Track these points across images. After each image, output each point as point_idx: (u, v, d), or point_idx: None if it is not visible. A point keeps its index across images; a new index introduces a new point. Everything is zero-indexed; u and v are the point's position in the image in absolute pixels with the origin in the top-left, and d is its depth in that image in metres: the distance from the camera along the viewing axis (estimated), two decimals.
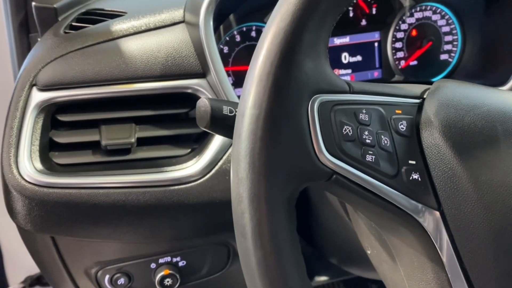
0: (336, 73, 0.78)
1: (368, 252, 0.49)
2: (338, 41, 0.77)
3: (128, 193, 0.56)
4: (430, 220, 0.38)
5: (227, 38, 0.72)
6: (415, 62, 0.80)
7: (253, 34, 0.73)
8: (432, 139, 0.38)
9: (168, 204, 0.57)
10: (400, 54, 0.80)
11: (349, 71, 0.78)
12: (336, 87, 0.37)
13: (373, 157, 0.37)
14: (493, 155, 0.37)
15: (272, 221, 0.33)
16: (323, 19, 0.35)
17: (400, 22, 0.78)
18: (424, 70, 0.81)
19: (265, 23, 0.73)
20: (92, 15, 0.68)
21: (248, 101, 0.34)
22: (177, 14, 0.64)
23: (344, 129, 0.36)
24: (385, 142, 0.37)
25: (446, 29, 0.80)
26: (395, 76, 0.80)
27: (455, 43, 0.81)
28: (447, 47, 0.81)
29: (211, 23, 0.59)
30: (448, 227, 0.37)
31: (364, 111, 0.37)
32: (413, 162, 0.38)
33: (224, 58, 0.72)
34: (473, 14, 0.78)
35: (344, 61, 0.78)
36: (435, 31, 0.80)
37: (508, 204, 0.37)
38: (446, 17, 0.80)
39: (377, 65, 0.79)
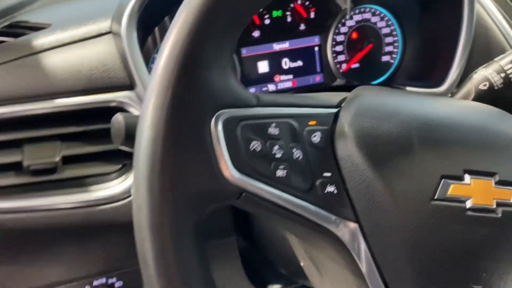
0: (277, 79, 0.77)
1: (301, 264, 0.48)
2: (277, 46, 0.76)
3: (54, 216, 0.54)
4: (347, 232, 0.37)
5: None
6: (356, 65, 0.80)
7: None
8: (346, 150, 0.37)
9: (97, 224, 0.55)
10: (341, 58, 0.79)
11: (291, 76, 0.77)
12: (242, 101, 0.35)
13: (285, 171, 0.35)
14: (408, 163, 0.37)
15: (175, 251, 0.31)
16: (225, 30, 0.34)
17: (340, 25, 0.78)
18: (366, 73, 0.81)
19: None
20: (16, 28, 0.65)
21: (146, 120, 0.32)
22: (104, 24, 0.62)
23: (251, 144, 0.34)
24: (298, 155, 0.36)
25: (386, 30, 0.80)
26: (336, 80, 0.79)
27: (395, 44, 0.81)
28: (388, 48, 0.81)
29: (135, 32, 0.56)
30: (366, 239, 0.37)
31: (273, 124, 0.36)
32: (329, 174, 0.37)
33: None
34: (411, 16, 0.78)
35: (285, 67, 0.77)
36: (376, 33, 0.80)
37: (422, 213, 0.36)
38: (386, 18, 0.80)
39: (318, 69, 0.78)
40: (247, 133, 0.34)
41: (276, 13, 0.75)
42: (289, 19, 0.76)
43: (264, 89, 0.76)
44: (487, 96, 0.57)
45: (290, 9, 0.75)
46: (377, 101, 0.39)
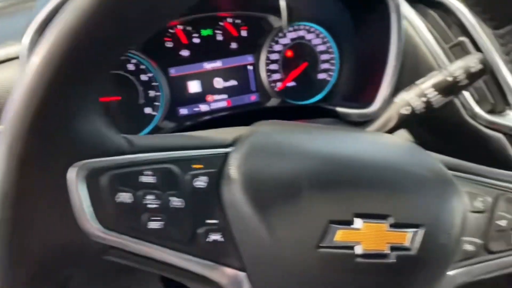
0: (210, 98, 0.75)
1: None
2: (209, 65, 0.74)
3: None
4: (235, 283, 0.35)
5: None
6: (292, 84, 0.78)
7: None
8: (232, 194, 0.35)
9: None
10: (276, 76, 0.77)
11: (225, 96, 0.75)
12: (111, 149, 0.33)
13: (161, 223, 0.33)
14: (295, 208, 0.35)
15: None
16: (86, 78, 0.31)
17: (273, 44, 0.76)
18: (303, 91, 0.79)
19: None
20: None
21: None
22: (13, 48, 0.59)
23: (117, 196, 0.32)
24: (177, 203, 0.34)
25: (322, 48, 0.79)
26: (271, 99, 0.77)
27: (332, 61, 0.80)
28: (325, 66, 0.80)
29: None
30: (253, 285, 0.35)
31: (149, 172, 0.33)
32: (214, 221, 0.35)
33: None
34: (346, 33, 0.77)
35: (218, 86, 0.75)
36: (311, 51, 0.79)
37: (309, 262, 0.34)
38: (321, 35, 0.79)
39: (253, 88, 0.77)
40: (114, 183, 0.32)
41: (205, 32, 0.73)
42: (219, 37, 0.74)
43: (196, 109, 0.74)
44: (409, 120, 0.56)
45: (220, 27, 0.73)
46: (272, 139, 0.38)
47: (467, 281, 0.42)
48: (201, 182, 0.35)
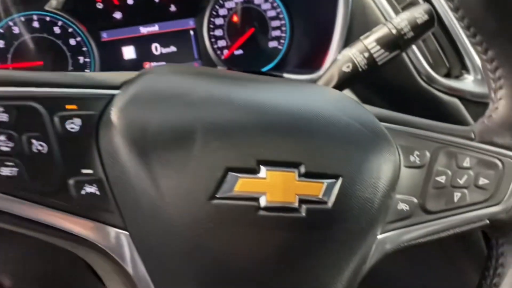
0: (148, 66, 0.69)
1: None
2: (145, 30, 0.68)
3: None
4: (116, 244, 0.29)
5: (1, 31, 0.61)
6: (240, 52, 0.73)
7: (35, 24, 0.62)
8: (111, 142, 0.29)
9: None
10: (221, 43, 0.72)
11: (163, 63, 0.69)
12: None
13: (15, 169, 0.27)
14: (184, 157, 0.29)
15: None
16: None
17: (217, 7, 0.71)
18: (252, 60, 0.73)
19: (47, 11, 0.62)
20: None
21: None
22: None
23: None
24: (39, 148, 0.28)
25: (272, 13, 0.74)
26: (217, 68, 0.72)
27: (283, 28, 0.74)
28: (275, 33, 0.74)
29: None
30: (137, 247, 0.29)
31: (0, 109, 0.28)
32: (89, 171, 0.29)
33: (0, 53, 0.61)
34: None
35: (156, 53, 0.69)
36: (260, 16, 0.73)
37: (200, 215, 0.29)
38: (270, 0, 0.73)
39: (195, 56, 0.71)
40: None
41: None
42: None
43: None
44: (351, 79, 0.51)
45: None
46: (162, 83, 0.32)
47: (402, 245, 0.36)
48: (73, 125, 0.29)
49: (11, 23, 0.61)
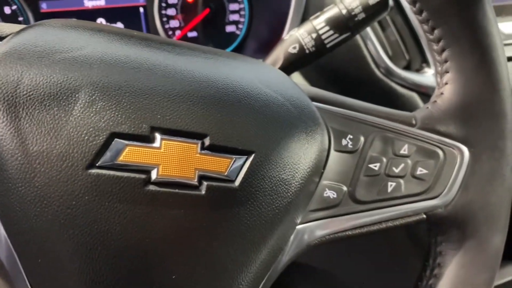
0: None
1: None
2: (90, 3, 0.63)
3: None
4: None
5: None
6: (194, 34, 0.69)
7: None
8: None
9: None
10: (174, 23, 0.67)
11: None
12: None
13: None
14: (61, 116, 0.25)
15: None
16: None
17: None
18: (207, 43, 0.69)
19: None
20: None
21: None
22: None
23: None
24: None
25: None
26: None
27: (242, 12, 0.70)
28: (233, 17, 0.70)
29: None
30: (2, 221, 0.25)
31: None
32: None
33: None
34: None
35: None
36: None
37: (74, 187, 0.24)
38: None
39: None
40: None
41: None
42: None
43: None
44: (298, 61, 0.47)
45: None
46: (51, 35, 0.27)
47: (327, 237, 0.33)
48: None
49: None
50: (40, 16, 0.61)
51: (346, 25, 0.45)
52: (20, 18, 0.60)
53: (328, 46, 0.46)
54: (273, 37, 0.66)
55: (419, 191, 0.34)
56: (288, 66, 0.48)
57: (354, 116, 0.34)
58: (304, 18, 0.59)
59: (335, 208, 0.32)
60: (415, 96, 0.59)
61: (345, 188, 0.33)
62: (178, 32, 0.68)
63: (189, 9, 0.68)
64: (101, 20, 0.64)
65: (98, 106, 0.25)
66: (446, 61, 0.35)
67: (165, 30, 0.67)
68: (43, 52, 0.26)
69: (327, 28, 0.46)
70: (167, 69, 0.28)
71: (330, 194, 0.32)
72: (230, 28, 0.70)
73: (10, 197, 0.24)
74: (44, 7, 0.61)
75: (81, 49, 0.27)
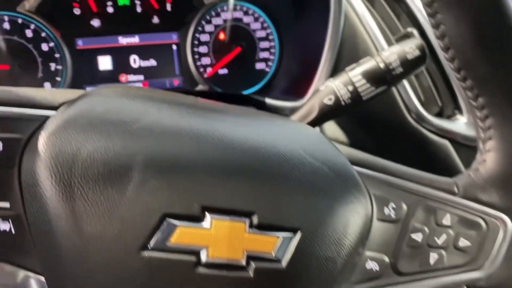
0: (123, 78, 0.65)
1: None
2: (124, 40, 0.64)
3: None
4: (29, 286, 0.25)
5: None
6: (224, 71, 0.69)
7: (6, 26, 0.58)
8: (33, 172, 0.25)
9: None
10: (205, 61, 0.68)
11: (141, 77, 0.65)
12: None
13: None
14: (115, 197, 0.25)
15: None
16: None
17: (204, 22, 0.67)
18: (236, 81, 0.70)
19: (20, 13, 0.59)
20: None
21: None
22: None
23: None
24: None
25: (261, 34, 0.70)
26: (198, 86, 0.68)
27: (272, 50, 0.71)
28: (264, 54, 0.71)
29: None
30: None
31: None
32: (5, 205, 0.25)
33: None
34: (288, 19, 0.68)
35: (134, 65, 0.65)
36: (248, 36, 0.70)
37: (127, 269, 0.25)
38: (261, 20, 0.70)
39: (176, 72, 0.67)
40: None
41: (122, 1, 0.63)
42: (139, 9, 0.64)
43: None
44: (333, 112, 0.47)
45: None
46: (104, 107, 0.28)
47: None
48: None
49: None
50: (76, 53, 0.62)
51: (383, 78, 0.45)
52: (57, 55, 0.61)
53: (364, 98, 0.46)
54: (301, 77, 0.66)
55: (461, 263, 0.34)
56: (323, 117, 0.47)
57: (396, 182, 0.34)
58: (338, 62, 0.59)
59: (377, 280, 0.32)
60: (447, 144, 0.58)
61: (387, 260, 0.32)
62: (209, 70, 0.68)
63: (221, 47, 0.68)
64: (134, 57, 0.65)
65: (151, 186, 0.25)
66: (489, 128, 0.35)
67: (197, 67, 0.67)
68: (98, 126, 0.26)
69: (363, 81, 0.46)
70: (215, 141, 0.28)
71: (373, 265, 0.32)
72: (260, 66, 0.71)
73: (64, 277, 0.25)
74: (80, 44, 0.62)
75: (134, 123, 0.27)
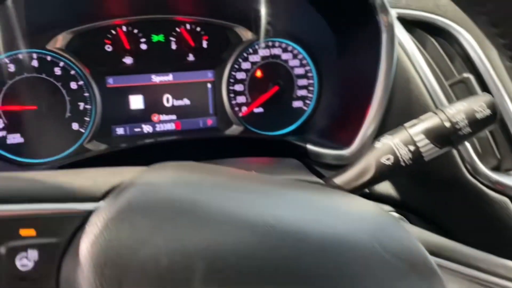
0: (155, 118, 0.61)
1: None
2: (157, 78, 0.60)
3: None
4: None
5: None
6: (260, 110, 0.65)
7: (35, 63, 0.55)
8: (75, 277, 0.21)
9: None
10: (241, 99, 0.64)
11: (173, 116, 0.62)
12: None
13: None
14: None
15: None
16: None
17: (240, 60, 0.63)
18: (272, 120, 0.66)
19: (49, 50, 0.55)
20: None
21: None
22: None
23: None
24: None
25: (299, 71, 0.66)
26: (232, 126, 0.64)
27: (310, 88, 0.67)
28: (301, 92, 0.67)
29: None
30: None
31: None
32: None
33: None
34: (328, 56, 0.64)
35: (167, 104, 0.61)
36: (286, 73, 0.65)
37: None
38: (299, 56, 0.66)
39: (210, 111, 0.63)
40: None
41: (156, 38, 0.59)
42: (173, 46, 0.60)
43: (137, 130, 0.60)
44: (391, 172, 0.43)
45: (175, 34, 0.60)
46: (157, 197, 0.24)
47: None
48: (27, 261, 0.21)
49: (7, 60, 0.54)
50: (106, 92, 0.58)
51: (448, 139, 0.41)
52: (86, 94, 0.57)
53: (426, 160, 0.42)
54: (346, 118, 0.62)
55: None
56: (380, 177, 0.43)
57: (476, 276, 0.30)
58: (387, 109, 0.54)
59: None
60: (506, 201, 0.53)
61: None
62: (244, 109, 0.64)
63: (257, 85, 0.64)
64: (167, 96, 0.61)
65: None
66: None
67: (232, 106, 0.64)
68: (154, 221, 0.22)
69: (427, 141, 0.41)
70: (285, 244, 0.24)
71: None
72: (297, 104, 0.67)
73: None
74: (110, 82, 0.58)
75: (189, 213, 0.23)
